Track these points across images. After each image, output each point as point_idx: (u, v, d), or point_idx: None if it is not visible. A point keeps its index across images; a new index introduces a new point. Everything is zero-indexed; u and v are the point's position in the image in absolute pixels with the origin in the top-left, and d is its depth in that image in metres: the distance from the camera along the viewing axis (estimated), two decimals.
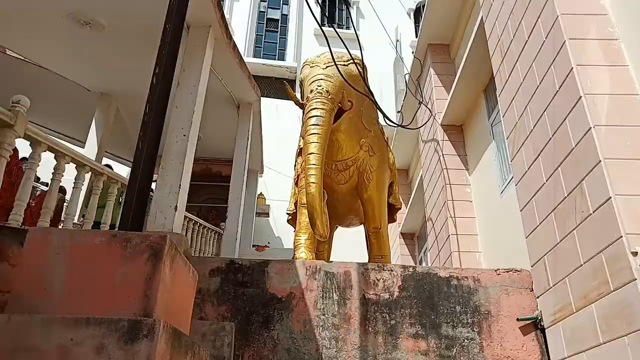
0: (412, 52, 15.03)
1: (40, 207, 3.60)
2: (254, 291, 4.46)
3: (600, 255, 3.25)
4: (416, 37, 16.31)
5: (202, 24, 5.87)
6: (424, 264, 10.12)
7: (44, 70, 8.17)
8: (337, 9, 16.77)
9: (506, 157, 5.99)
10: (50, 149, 3.40)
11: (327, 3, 16.76)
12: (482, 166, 6.79)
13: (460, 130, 7.59)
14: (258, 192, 12.49)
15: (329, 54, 5.55)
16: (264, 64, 14.63)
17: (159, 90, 2.82)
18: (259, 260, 4.60)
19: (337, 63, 5.18)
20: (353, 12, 16.56)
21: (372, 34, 13.18)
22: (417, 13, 16.93)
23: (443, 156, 7.38)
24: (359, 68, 5.42)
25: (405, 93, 9.41)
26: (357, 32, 6.50)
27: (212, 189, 11.81)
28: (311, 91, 5.12)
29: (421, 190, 9.40)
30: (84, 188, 4.11)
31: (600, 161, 3.27)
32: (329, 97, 5.05)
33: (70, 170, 4.54)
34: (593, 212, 3.34)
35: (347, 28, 16.25)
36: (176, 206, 4.79)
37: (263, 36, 15.67)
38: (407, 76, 9.21)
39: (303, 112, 5.49)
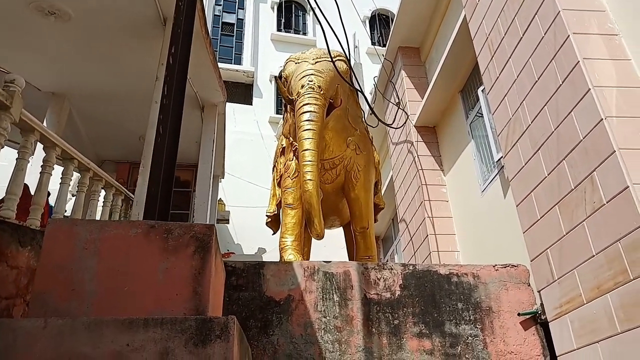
0: (370, 58, 15.17)
1: (26, 202, 3.17)
2: (249, 295, 4.20)
3: (617, 244, 3.27)
4: (372, 44, 16.61)
5: None
6: None
7: None
8: (293, 15, 16.66)
9: (487, 156, 6.05)
10: (42, 139, 3.00)
11: (283, 9, 16.63)
12: (459, 166, 6.84)
13: (434, 132, 7.64)
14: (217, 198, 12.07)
15: (317, 50, 5.43)
16: (220, 68, 14.23)
17: (177, 69, 2.56)
18: (253, 262, 4.35)
19: (327, 59, 5.05)
20: (309, 18, 16.51)
21: (329, 41, 13.18)
22: (373, 21, 17.13)
23: (418, 157, 7.39)
24: (348, 64, 5.31)
25: (374, 95, 9.40)
26: (325, 34, 6.36)
27: None
28: (302, 86, 4.93)
29: (390, 192, 9.38)
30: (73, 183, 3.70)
31: (614, 151, 3.30)
32: (321, 92, 4.89)
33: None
34: (607, 202, 3.36)
35: (304, 34, 16.18)
36: None
37: (219, 40, 15.29)
38: (375, 79, 9.21)
39: (290, 109, 5.30)
